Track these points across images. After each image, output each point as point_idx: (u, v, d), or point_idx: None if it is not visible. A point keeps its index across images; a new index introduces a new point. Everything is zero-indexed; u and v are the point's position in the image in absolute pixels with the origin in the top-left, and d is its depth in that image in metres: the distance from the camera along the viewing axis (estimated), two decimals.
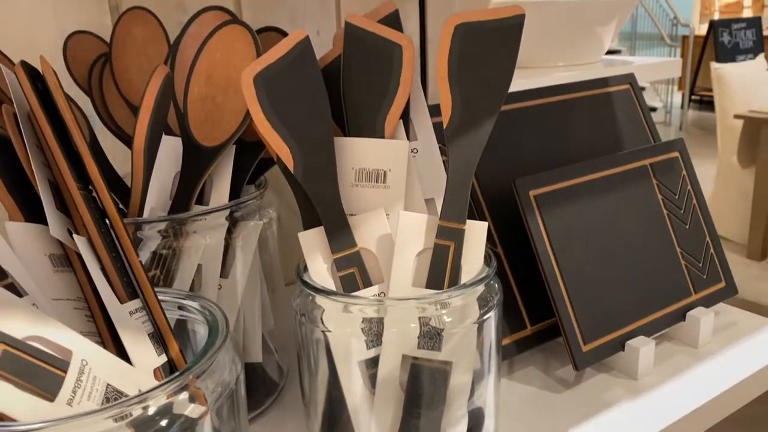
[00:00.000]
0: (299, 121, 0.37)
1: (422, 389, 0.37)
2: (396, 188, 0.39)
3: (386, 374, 0.37)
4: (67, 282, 0.35)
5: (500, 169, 0.54)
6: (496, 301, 0.38)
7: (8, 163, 0.35)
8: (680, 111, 5.33)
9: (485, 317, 0.37)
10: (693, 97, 5.53)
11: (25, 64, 0.35)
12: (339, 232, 0.37)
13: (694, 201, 0.57)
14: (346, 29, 0.39)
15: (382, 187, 0.39)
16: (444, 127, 0.37)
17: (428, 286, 0.37)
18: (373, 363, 0.36)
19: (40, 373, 0.27)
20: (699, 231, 0.57)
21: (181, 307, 0.37)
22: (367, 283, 0.37)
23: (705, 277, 0.56)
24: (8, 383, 0.26)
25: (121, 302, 0.34)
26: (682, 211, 0.56)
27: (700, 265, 0.56)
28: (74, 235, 0.33)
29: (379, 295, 0.38)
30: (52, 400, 0.27)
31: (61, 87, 0.35)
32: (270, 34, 0.45)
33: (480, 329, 0.37)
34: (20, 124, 0.35)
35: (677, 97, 5.62)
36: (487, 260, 0.38)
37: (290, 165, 0.37)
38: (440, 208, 0.38)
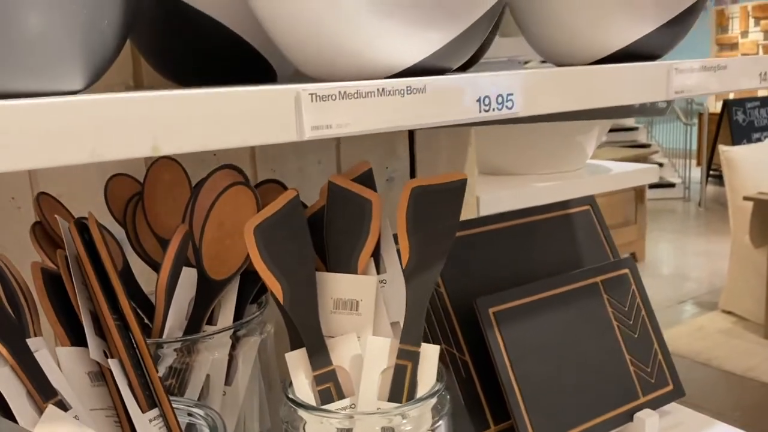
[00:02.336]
0: (288, 263, 0.46)
1: None
2: (366, 315, 0.48)
3: None
4: (101, 394, 0.44)
5: (469, 284, 0.63)
6: (446, 411, 0.46)
7: (58, 295, 0.45)
8: (699, 186, 5.39)
9: (437, 425, 0.45)
10: (711, 172, 5.59)
11: (77, 221, 0.45)
12: (318, 353, 0.46)
13: (643, 312, 0.65)
14: (330, 186, 0.49)
15: (355, 314, 0.48)
16: (402, 269, 0.46)
17: (390, 399, 0.45)
18: None
19: None
20: (647, 339, 0.64)
21: (190, 414, 0.46)
22: (341, 396, 0.46)
23: (653, 381, 0.63)
24: None
25: (143, 411, 0.43)
26: (631, 322, 0.64)
27: (648, 370, 0.63)
28: (109, 359, 0.43)
29: (351, 406, 0.46)
30: None
31: (101, 233, 0.45)
32: (270, 185, 0.56)
33: None
34: (70, 265, 0.45)
35: (696, 172, 5.67)
36: (440, 376, 0.47)
37: (280, 298, 0.46)
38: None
